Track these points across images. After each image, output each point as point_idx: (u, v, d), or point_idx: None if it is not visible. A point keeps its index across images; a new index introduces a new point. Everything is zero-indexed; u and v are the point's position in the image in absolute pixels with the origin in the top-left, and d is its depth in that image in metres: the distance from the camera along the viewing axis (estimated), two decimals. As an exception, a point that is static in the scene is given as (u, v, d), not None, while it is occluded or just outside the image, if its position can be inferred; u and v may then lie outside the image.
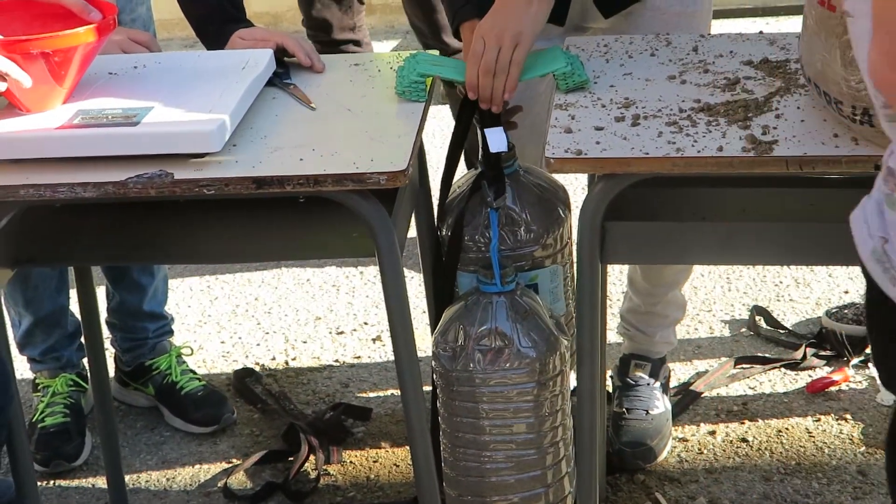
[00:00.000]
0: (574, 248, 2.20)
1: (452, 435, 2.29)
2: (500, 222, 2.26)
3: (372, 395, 3.12)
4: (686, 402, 2.96)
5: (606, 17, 2.48)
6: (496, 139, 2.20)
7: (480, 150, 2.25)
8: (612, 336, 2.97)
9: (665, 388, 2.90)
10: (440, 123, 4.36)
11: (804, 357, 3.07)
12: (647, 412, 2.82)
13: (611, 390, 2.90)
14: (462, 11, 2.33)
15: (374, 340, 3.33)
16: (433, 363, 2.27)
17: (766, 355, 3.14)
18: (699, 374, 3.07)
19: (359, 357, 3.28)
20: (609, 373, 2.90)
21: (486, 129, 2.20)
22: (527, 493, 2.30)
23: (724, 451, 2.81)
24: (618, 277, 3.25)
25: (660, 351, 2.91)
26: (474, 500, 2.32)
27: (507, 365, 2.19)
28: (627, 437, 2.77)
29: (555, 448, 2.29)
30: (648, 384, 2.86)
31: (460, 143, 2.29)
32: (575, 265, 2.14)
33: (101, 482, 2.87)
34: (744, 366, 3.09)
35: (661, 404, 2.85)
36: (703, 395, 2.99)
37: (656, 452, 2.78)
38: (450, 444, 2.31)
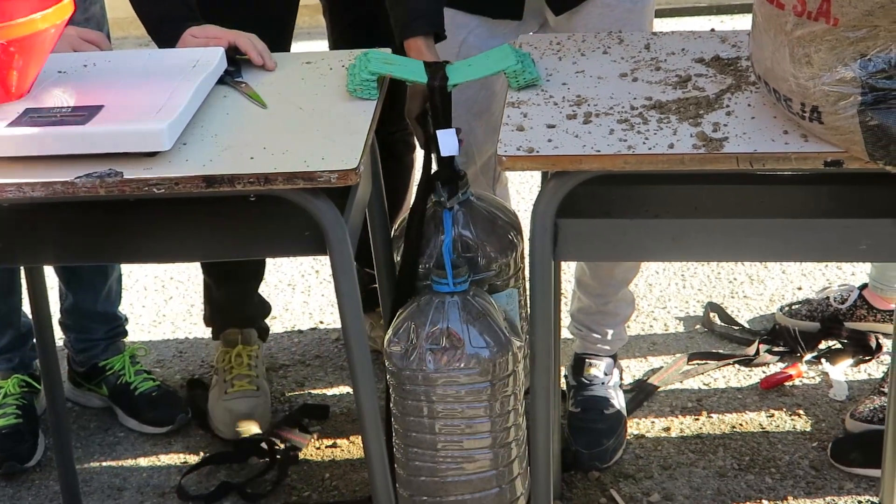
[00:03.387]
0: (527, 246, 2.19)
1: (405, 434, 2.28)
2: (455, 249, 2.26)
3: (328, 393, 3.10)
4: (640, 398, 2.97)
5: (557, 13, 2.49)
6: (448, 142, 2.20)
7: (433, 151, 2.24)
8: (567, 333, 2.97)
9: (619, 385, 2.91)
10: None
11: (757, 353, 3.09)
12: (603, 412, 2.82)
13: (565, 388, 2.91)
14: (414, 25, 2.32)
15: (334, 341, 3.32)
16: (386, 362, 2.26)
17: (720, 351, 3.15)
18: (654, 371, 3.08)
19: (315, 356, 3.26)
20: (563, 371, 2.90)
21: (438, 131, 2.20)
22: (479, 493, 2.29)
23: (678, 447, 2.81)
24: (572, 275, 3.24)
25: (612, 348, 2.92)
26: (427, 500, 2.31)
27: (459, 365, 2.19)
28: (584, 438, 2.77)
29: (507, 448, 2.28)
30: (603, 383, 2.87)
31: (421, 210, 2.30)
32: (527, 256, 2.14)
33: (54, 483, 2.84)
34: (697, 362, 3.09)
35: (616, 402, 2.86)
36: (657, 392, 3.00)
37: (612, 452, 2.78)
38: (402, 443, 2.30)
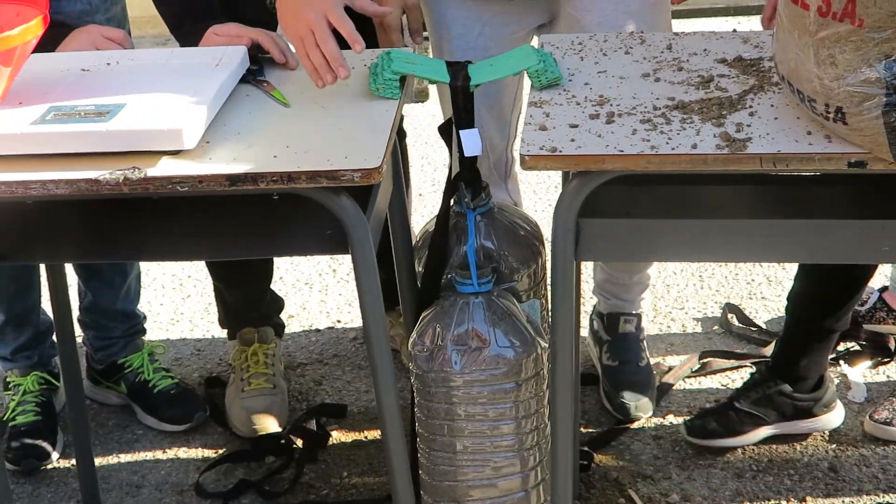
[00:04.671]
0: (548, 256, 2.20)
1: (430, 439, 2.28)
2: (478, 258, 2.26)
3: (346, 392, 3.11)
4: (657, 396, 2.97)
5: None
6: (471, 142, 2.20)
7: (456, 152, 2.24)
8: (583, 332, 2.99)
9: (645, 341, 3.09)
10: (412, 122, 4.35)
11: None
12: (638, 364, 2.99)
13: (592, 341, 3.09)
14: None
15: (352, 340, 3.32)
16: (410, 365, 2.26)
17: (735, 350, 3.15)
18: (668, 369, 3.08)
19: (333, 355, 3.27)
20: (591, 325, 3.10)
21: (461, 131, 2.20)
22: (502, 497, 2.29)
23: (696, 447, 2.81)
24: (590, 275, 3.24)
25: (640, 307, 3.07)
26: (449, 504, 2.31)
27: (484, 365, 2.18)
28: (629, 391, 2.93)
29: (531, 452, 2.28)
30: (637, 336, 3.03)
31: (445, 217, 2.30)
32: (549, 267, 2.15)
33: (73, 480, 2.85)
34: (709, 359, 3.11)
35: (646, 356, 3.03)
36: (674, 391, 3.01)
37: (652, 402, 2.95)
38: (427, 448, 2.30)
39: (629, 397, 2.92)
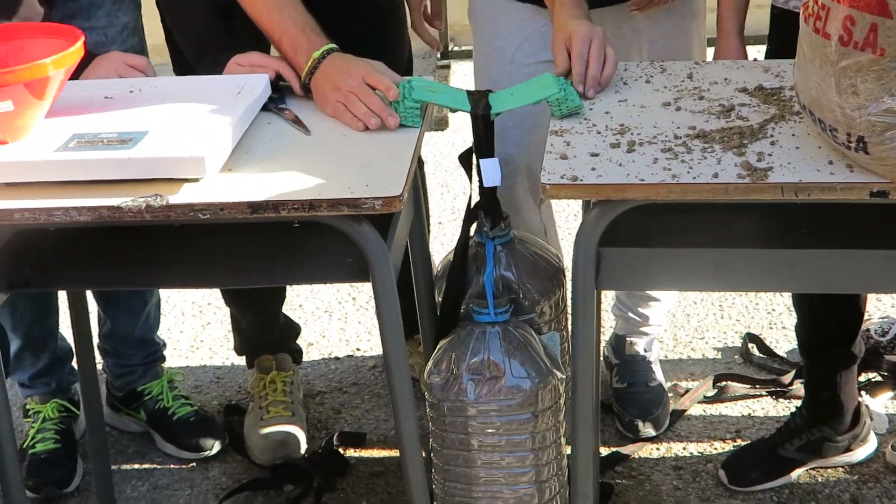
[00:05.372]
0: (569, 275, 2.20)
1: (444, 469, 2.28)
2: (497, 288, 2.26)
3: (365, 421, 3.11)
4: (672, 419, 3.00)
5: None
6: (490, 171, 2.20)
7: (476, 181, 2.25)
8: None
9: (657, 361, 3.10)
10: (432, 150, 4.36)
11: (792, 382, 3.07)
12: (647, 384, 3.01)
13: (605, 368, 3.09)
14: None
15: (371, 368, 3.33)
16: (426, 394, 2.26)
17: (751, 375, 3.15)
18: (682, 394, 3.09)
19: (352, 383, 3.27)
20: (604, 352, 3.08)
21: (480, 160, 2.20)
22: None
23: (716, 479, 2.80)
24: (610, 302, 3.24)
25: (652, 333, 3.09)
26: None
27: (499, 396, 2.18)
28: (636, 409, 2.97)
29: (548, 484, 2.28)
30: (644, 358, 3.05)
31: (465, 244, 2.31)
32: (570, 298, 2.15)
33: (92, 508, 2.85)
34: (723, 383, 3.11)
35: (657, 377, 3.05)
36: (688, 414, 3.03)
37: (662, 420, 2.98)
38: (441, 478, 2.29)
39: (637, 416, 2.95)
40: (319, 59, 2.27)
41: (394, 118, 2.18)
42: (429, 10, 2.89)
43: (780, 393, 3.08)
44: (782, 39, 2.46)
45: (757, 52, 2.68)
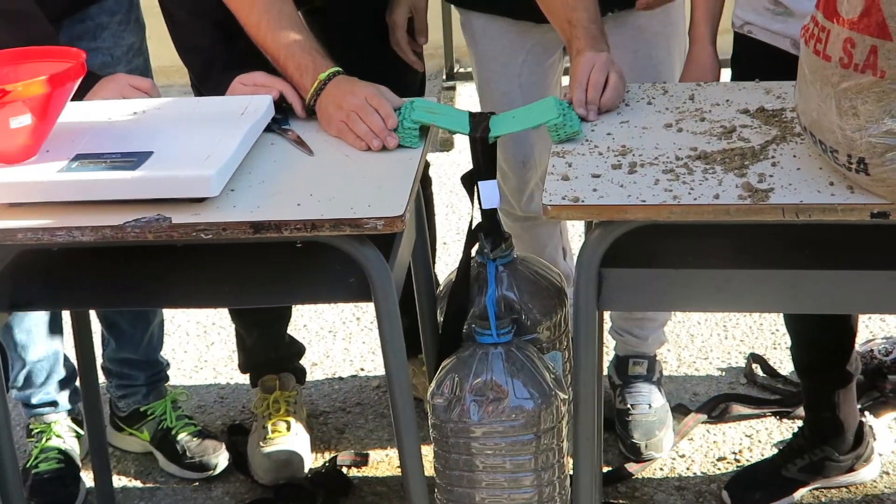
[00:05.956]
0: (571, 296, 2.20)
1: (447, 489, 2.28)
2: (499, 308, 2.27)
3: (368, 440, 3.11)
4: (675, 440, 3.00)
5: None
6: (489, 193, 2.21)
7: (477, 204, 2.25)
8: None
9: (660, 382, 3.09)
10: (437, 170, 4.36)
11: (795, 404, 3.07)
12: (650, 405, 3.01)
13: (610, 388, 3.10)
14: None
15: (374, 388, 3.33)
16: (429, 415, 2.26)
17: (751, 395, 3.15)
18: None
19: (356, 403, 3.27)
20: (605, 372, 3.06)
21: (479, 182, 2.21)
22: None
23: (721, 500, 2.79)
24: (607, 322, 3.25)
25: (652, 350, 3.10)
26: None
27: (503, 417, 2.18)
28: (639, 431, 2.96)
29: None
30: (647, 379, 3.05)
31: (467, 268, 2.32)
32: (571, 319, 2.15)
33: (94, 528, 2.86)
34: (722, 404, 3.11)
35: (660, 397, 3.04)
36: (692, 434, 3.03)
37: (665, 443, 2.97)
38: (444, 499, 2.29)
39: (639, 437, 2.95)
40: (325, 81, 2.29)
41: (392, 139, 2.20)
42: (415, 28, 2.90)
43: (784, 413, 3.07)
44: (745, 61, 2.50)
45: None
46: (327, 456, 3.04)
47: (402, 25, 2.79)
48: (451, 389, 2.21)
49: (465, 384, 2.19)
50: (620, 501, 2.80)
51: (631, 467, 2.91)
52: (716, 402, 3.11)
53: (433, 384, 2.24)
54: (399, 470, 2.28)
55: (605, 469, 2.86)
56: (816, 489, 2.79)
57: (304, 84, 2.31)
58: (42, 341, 2.96)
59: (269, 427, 2.99)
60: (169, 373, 3.16)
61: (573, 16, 2.37)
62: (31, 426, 3.03)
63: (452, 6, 2.94)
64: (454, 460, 2.24)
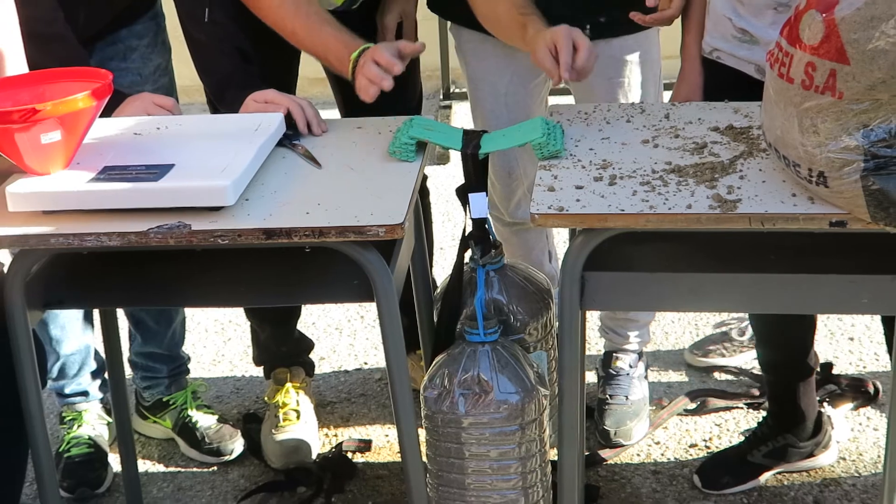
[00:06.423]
0: (556, 296, 2.19)
1: (438, 475, 2.27)
2: (489, 310, 2.27)
3: (371, 428, 3.10)
4: (651, 431, 2.99)
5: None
6: (478, 205, 2.21)
7: (469, 213, 2.25)
8: (590, 376, 2.98)
9: (643, 376, 3.06)
10: (435, 182, 4.34)
11: (762, 395, 3.06)
12: (627, 398, 2.98)
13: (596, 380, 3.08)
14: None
15: (377, 380, 3.31)
16: (422, 406, 2.25)
17: (725, 390, 3.13)
18: (662, 406, 3.07)
19: (360, 394, 3.26)
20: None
21: (470, 195, 2.21)
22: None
23: (691, 482, 2.79)
24: (595, 322, 3.23)
25: (637, 347, 3.07)
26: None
27: (489, 409, 2.18)
28: (611, 419, 2.93)
29: (533, 490, 2.26)
30: (628, 374, 3.02)
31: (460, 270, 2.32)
32: (557, 319, 2.14)
33: (121, 507, 2.84)
34: (699, 399, 3.09)
35: (640, 391, 3.02)
36: (667, 425, 3.01)
37: (634, 432, 2.93)
38: (436, 483, 2.28)
39: (611, 424, 2.92)
40: (357, 59, 2.35)
41: (388, 81, 2.28)
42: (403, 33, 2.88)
43: (754, 405, 3.06)
44: (713, 84, 2.50)
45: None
46: (334, 442, 3.03)
47: (391, 29, 2.77)
48: (441, 383, 2.20)
49: (455, 378, 2.19)
50: (600, 484, 2.79)
51: (605, 453, 2.89)
52: (693, 395, 3.10)
53: (426, 378, 2.24)
54: (399, 455, 2.26)
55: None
56: (779, 473, 2.78)
57: (346, 70, 2.38)
58: (75, 336, 2.95)
59: (281, 416, 2.98)
60: (189, 366, 3.15)
61: (523, 12, 2.40)
62: (63, 414, 3.02)
63: (449, 32, 2.93)
64: (444, 448, 2.23)
